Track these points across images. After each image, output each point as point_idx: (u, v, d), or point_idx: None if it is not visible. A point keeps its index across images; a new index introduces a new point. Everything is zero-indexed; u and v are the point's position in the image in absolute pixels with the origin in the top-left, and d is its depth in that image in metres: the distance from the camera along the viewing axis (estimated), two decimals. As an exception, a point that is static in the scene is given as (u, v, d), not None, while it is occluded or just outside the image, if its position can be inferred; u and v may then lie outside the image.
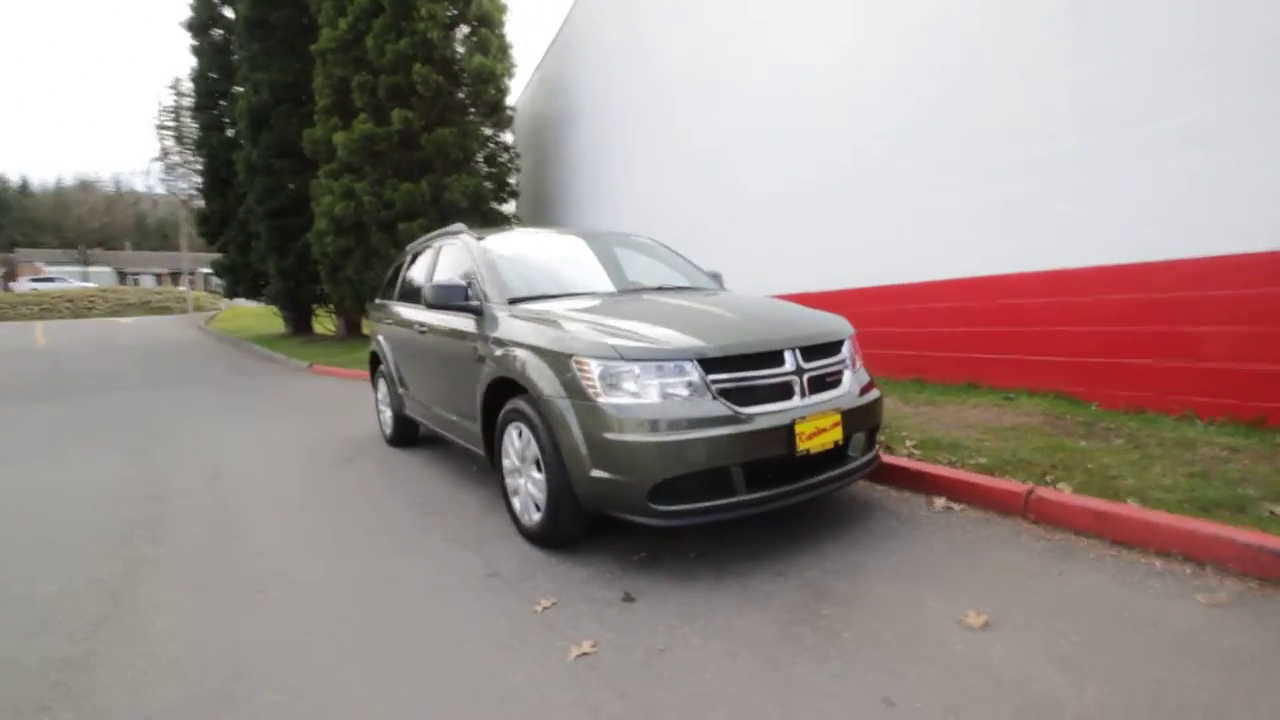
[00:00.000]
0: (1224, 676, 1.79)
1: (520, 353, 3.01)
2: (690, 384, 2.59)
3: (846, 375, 3.04)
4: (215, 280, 23.31)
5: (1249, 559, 2.33)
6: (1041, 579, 2.41)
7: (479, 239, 4.00)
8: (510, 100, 13.70)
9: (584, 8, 12.82)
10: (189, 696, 1.96)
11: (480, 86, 12.91)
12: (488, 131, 13.49)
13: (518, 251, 4.02)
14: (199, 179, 22.22)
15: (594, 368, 2.62)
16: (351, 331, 15.71)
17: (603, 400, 2.58)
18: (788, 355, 2.78)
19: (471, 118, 13.23)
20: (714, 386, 2.61)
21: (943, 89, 5.33)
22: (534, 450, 2.89)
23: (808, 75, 6.74)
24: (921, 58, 5.50)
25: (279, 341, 15.62)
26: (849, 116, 6.26)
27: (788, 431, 2.62)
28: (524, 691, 1.90)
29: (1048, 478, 3.13)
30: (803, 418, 2.67)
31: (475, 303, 3.52)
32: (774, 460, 2.62)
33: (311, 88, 13.80)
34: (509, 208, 14.72)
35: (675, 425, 2.51)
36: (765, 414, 2.63)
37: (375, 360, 5.55)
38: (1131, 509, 2.71)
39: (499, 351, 3.18)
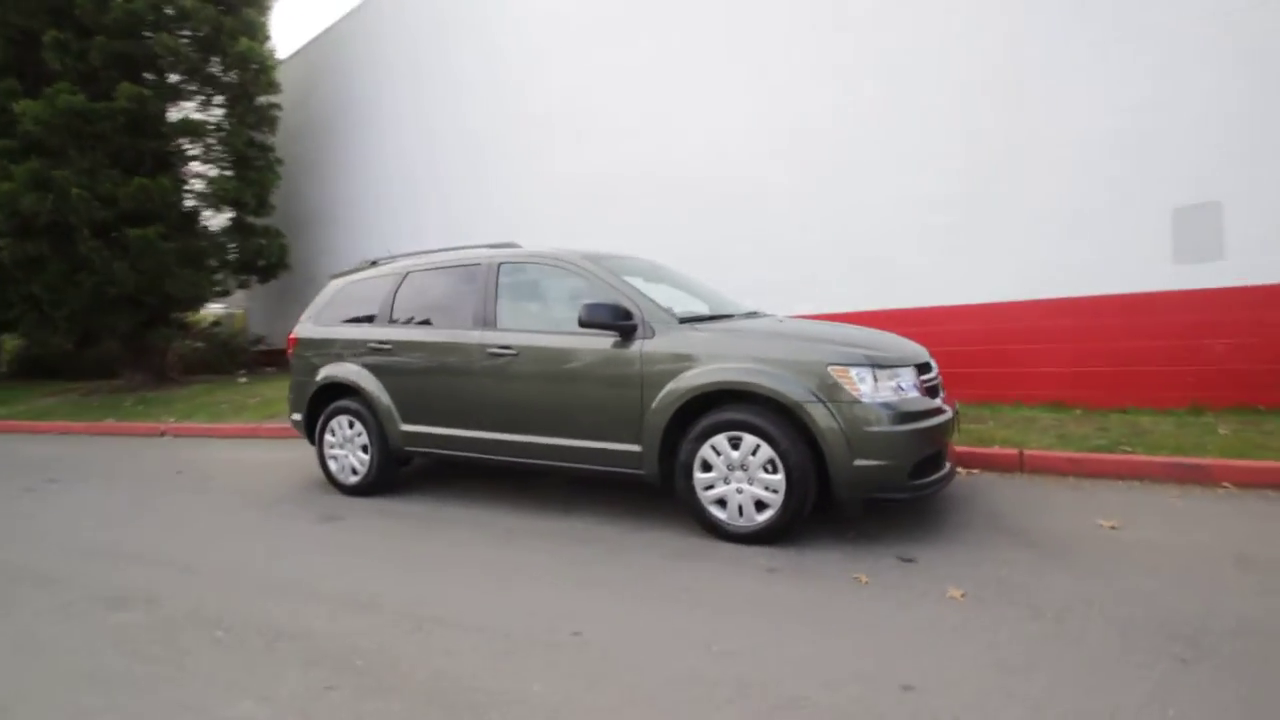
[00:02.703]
0: None
1: (739, 365, 3.23)
2: (914, 385, 3.23)
3: None
4: None
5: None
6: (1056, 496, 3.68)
7: (591, 259, 3.90)
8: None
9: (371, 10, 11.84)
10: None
11: (246, 75, 10.86)
12: (252, 134, 11.32)
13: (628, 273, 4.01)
14: None
15: (854, 373, 3.06)
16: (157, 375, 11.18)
17: (866, 400, 3.03)
18: (932, 364, 3.61)
19: (231, 112, 10.99)
20: (924, 386, 3.29)
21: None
22: (763, 455, 3.14)
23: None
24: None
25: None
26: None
27: (955, 421, 3.44)
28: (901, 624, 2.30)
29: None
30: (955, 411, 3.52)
31: (633, 323, 3.51)
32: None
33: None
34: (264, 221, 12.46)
35: (920, 416, 3.12)
36: (945, 408, 3.41)
37: (321, 401, 4.67)
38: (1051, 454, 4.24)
39: (696, 368, 3.31)
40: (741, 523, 3.23)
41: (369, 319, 4.60)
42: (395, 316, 4.48)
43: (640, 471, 3.52)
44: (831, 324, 4.23)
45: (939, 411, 3.27)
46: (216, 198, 10.22)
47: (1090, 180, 5.42)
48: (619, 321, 3.49)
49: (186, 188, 10.49)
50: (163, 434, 7.78)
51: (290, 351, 5.01)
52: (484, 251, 4.32)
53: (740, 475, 3.22)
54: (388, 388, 4.38)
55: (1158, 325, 5.18)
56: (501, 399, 3.92)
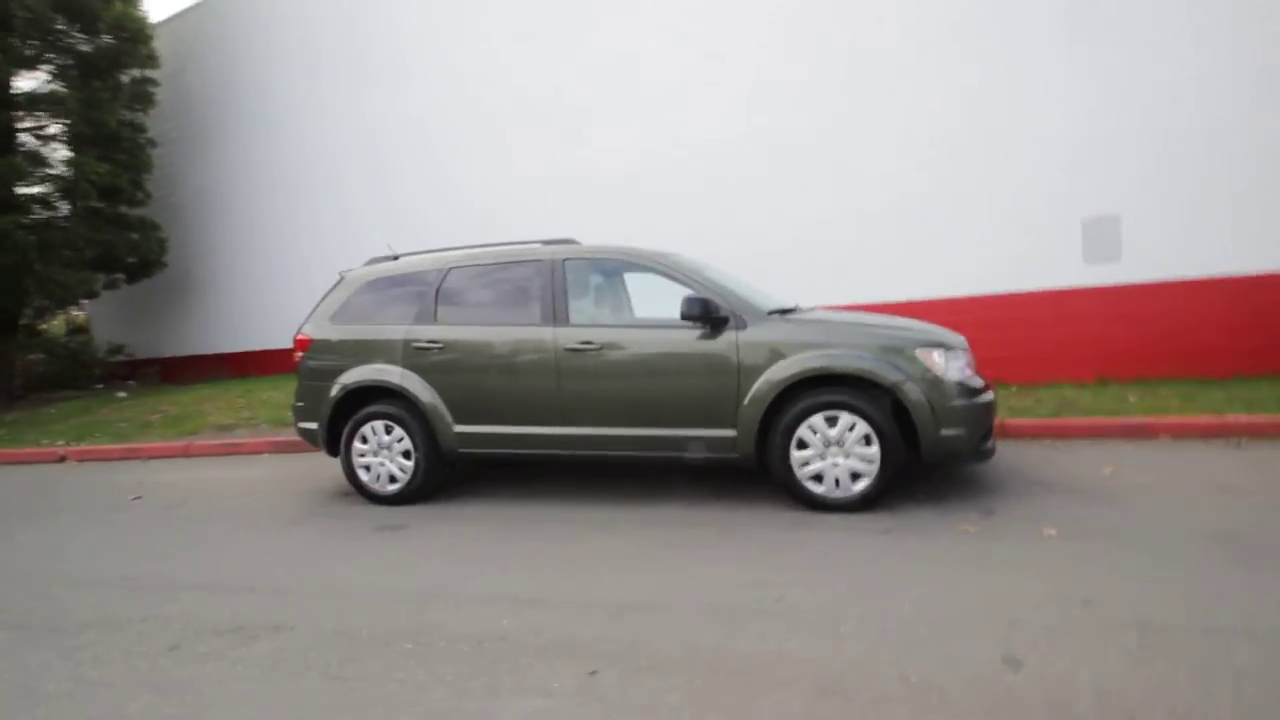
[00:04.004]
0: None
1: (837, 351, 3.56)
2: (970, 365, 3.76)
3: None
4: None
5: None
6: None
7: (658, 255, 4.02)
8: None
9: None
10: None
11: (120, 44, 9.44)
12: (125, 113, 9.82)
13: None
14: None
15: (935, 355, 3.52)
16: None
17: (949, 379, 3.50)
18: None
19: (103, 85, 9.47)
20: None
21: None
22: (859, 431, 3.51)
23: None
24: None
25: None
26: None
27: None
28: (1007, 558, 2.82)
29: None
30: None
31: (724, 315, 3.72)
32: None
33: None
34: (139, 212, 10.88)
35: (982, 391, 3.66)
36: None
37: (347, 407, 4.37)
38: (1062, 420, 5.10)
39: (793, 356, 3.59)
40: (838, 493, 3.58)
41: (405, 317, 4.36)
42: (440, 315, 4.30)
43: (733, 455, 3.74)
44: (880, 314, 4.68)
45: (990, 388, 3.84)
46: (90, 184, 8.72)
47: (1030, 196, 6.46)
48: (713, 314, 3.69)
49: (49, 170, 8.87)
50: (63, 459, 6.61)
51: (299, 354, 4.58)
52: (537, 247, 4.29)
53: (836, 450, 3.57)
54: (438, 389, 4.20)
55: (1072, 313, 6.30)
56: (583, 394, 3.94)
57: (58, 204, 9.11)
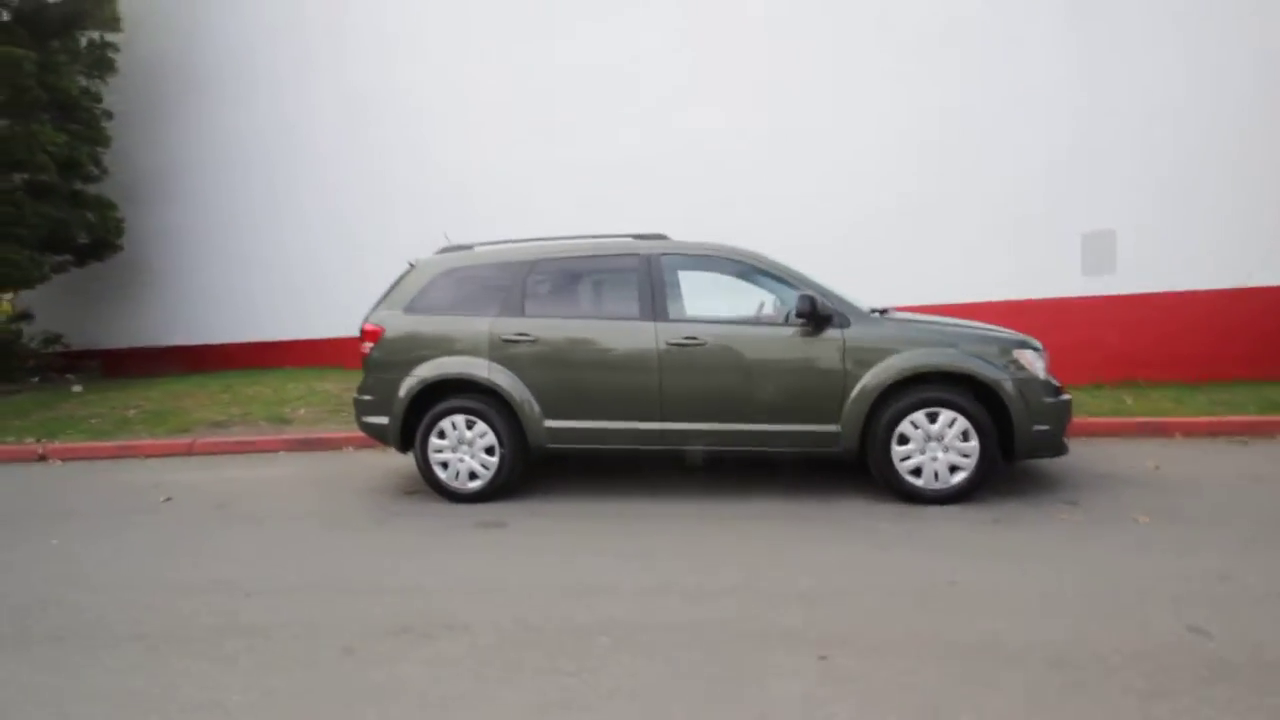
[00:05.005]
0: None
1: (942, 350, 3.76)
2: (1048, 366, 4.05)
3: None
4: None
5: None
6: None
7: (761, 255, 4.11)
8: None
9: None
10: None
11: (83, 2, 8.63)
12: (82, 80, 8.96)
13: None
14: None
15: (1028, 355, 3.78)
16: None
17: (1041, 377, 3.77)
18: None
19: (59, 44, 8.63)
20: (1047, 368, 4.15)
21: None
22: (959, 427, 3.72)
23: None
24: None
25: None
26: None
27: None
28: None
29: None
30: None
31: (828, 313, 3.84)
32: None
33: None
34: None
35: (1064, 390, 3.93)
36: None
37: (418, 404, 4.23)
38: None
39: (897, 354, 3.76)
40: (937, 486, 3.77)
41: (489, 309, 4.24)
42: (528, 307, 4.21)
43: (835, 449, 3.88)
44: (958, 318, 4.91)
45: (1066, 388, 4.14)
46: (48, 155, 7.89)
47: (1026, 210, 6.96)
48: (820, 312, 3.81)
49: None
50: (43, 458, 5.96)
51: (368, 345, 4.37)
52: (629, 241, 4.28)
53: (935, 445, 3.76)
54: (528, 383, 4.11)
55: (1072, 321, 6.84)
56: (685, 389, 3.97)
57: (10, 175, 8.19)
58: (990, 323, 4.22)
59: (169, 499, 4.61)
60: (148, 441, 6.27)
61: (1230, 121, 6.43)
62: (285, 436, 6.26)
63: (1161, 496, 3.79)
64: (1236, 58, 6.37)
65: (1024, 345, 3.86)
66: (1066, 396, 3.92)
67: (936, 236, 7.19)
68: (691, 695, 2.05)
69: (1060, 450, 3.90)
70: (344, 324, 9.87)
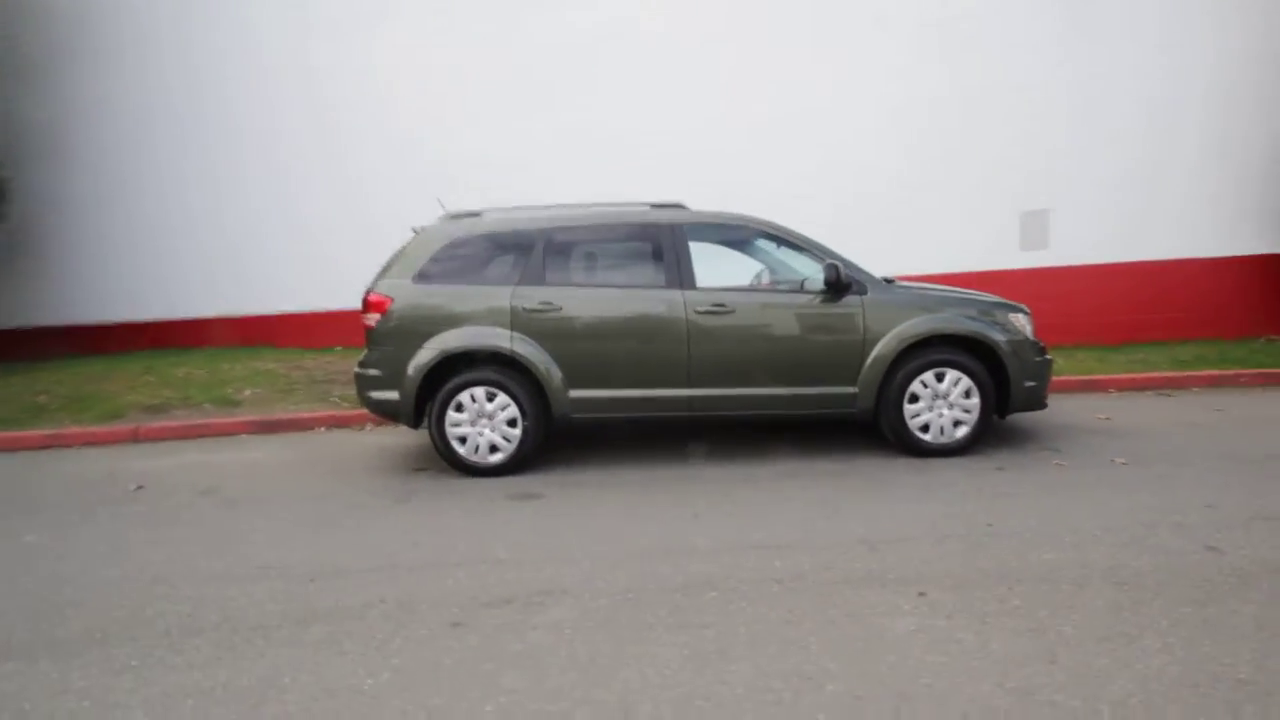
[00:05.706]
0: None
1: (950, 315, 4.05)
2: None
3: None
4: None
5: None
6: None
7: (780, 225, 4.21)
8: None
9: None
10: None
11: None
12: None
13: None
14: None
15: (1021, 318, 4.16)
16: None
17: (1030, 338, 4.15)
18: None
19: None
20: (1029, 329, 4.56)
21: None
22: (963, 385, 4.04)
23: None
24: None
25: None
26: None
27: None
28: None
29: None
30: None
31: (848, 280, 4.02)
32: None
33: None
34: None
35: (1047, 351, 4.34)
36: None
37: (439, 374, 4.06)
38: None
39: (911, 319, 4.02)
40: (943, 440, 4.10)
41: (506, 278, 4.11)
42: (549, 276, 4.11)
43: (851, 410, 4.11)
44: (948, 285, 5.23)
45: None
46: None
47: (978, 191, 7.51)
48: (842, 280, 3.99)
49: None
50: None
51: (376, 317, 4.11)
52: (646, 210, 4.26)
53: (941, 403, 4.07)
54: (551, 353, 4.04)
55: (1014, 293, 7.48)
56: (713, 355, 4.04)
57: None
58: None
59: (140, 487, 4.18)
60: (75, 430, 5.59)
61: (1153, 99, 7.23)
62: (242, 419, 5.78)
63: (1125, 442, 4.31)
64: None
65: (1016, 309, 4.23)
66: (1049, 356, 4.35)
67: (920, 215, 7.63)
68: (827, 637, 2.17)
69: (1042, 404, 4.32)
70: (279, 300, 9.28)
